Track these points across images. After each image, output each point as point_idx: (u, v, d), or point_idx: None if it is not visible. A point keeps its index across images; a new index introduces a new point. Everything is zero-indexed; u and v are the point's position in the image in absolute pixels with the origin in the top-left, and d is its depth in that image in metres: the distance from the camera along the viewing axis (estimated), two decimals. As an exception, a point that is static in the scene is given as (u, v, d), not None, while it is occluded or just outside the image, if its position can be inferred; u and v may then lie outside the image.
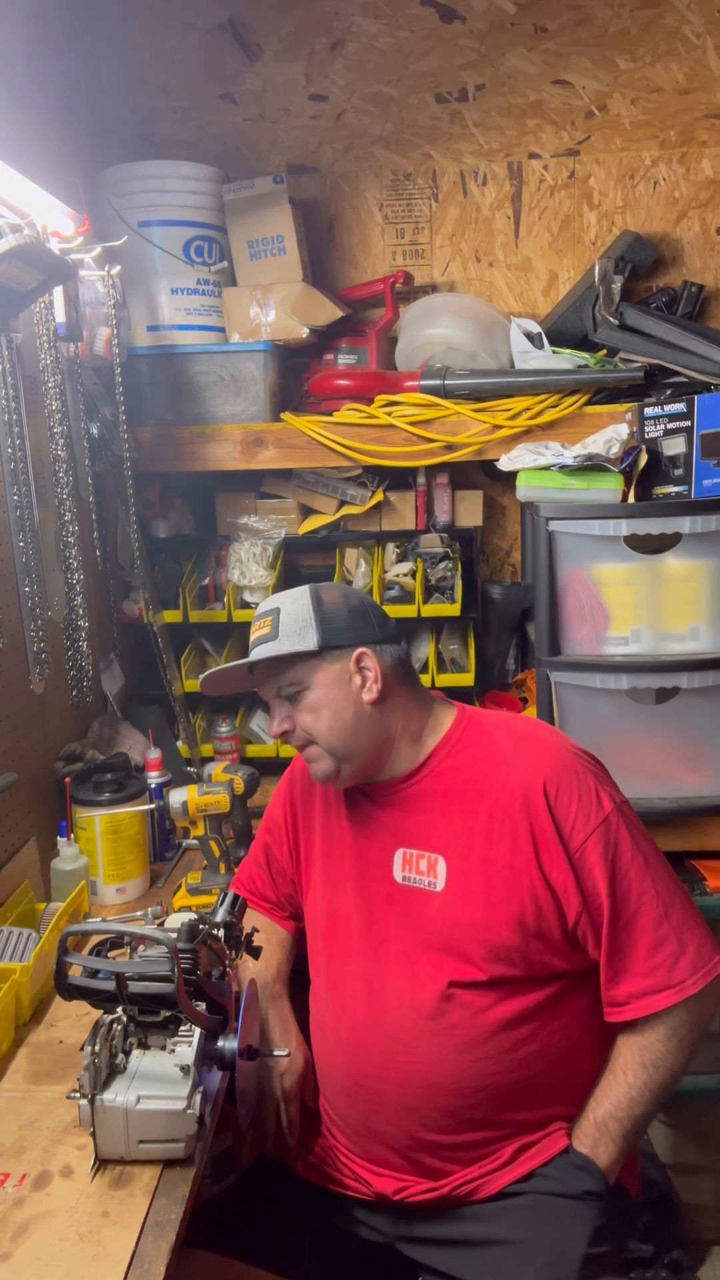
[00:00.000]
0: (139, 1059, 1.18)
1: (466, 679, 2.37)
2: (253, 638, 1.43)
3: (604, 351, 2.28)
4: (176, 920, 1.27)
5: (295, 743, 1.42)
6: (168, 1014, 1.19)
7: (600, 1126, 1.34)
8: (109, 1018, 1.19)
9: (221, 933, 1.27)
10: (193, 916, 1.24)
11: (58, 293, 1.84)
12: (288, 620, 1.40)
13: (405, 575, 2.42)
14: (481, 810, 1.36)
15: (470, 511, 2.46)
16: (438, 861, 1.37)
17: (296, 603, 1.41)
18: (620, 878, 1.32)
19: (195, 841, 1.88)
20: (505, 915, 1.32)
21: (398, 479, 2.43)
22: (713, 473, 1.92)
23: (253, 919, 1.57)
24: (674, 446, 1.98)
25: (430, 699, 1.48)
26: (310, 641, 1.38)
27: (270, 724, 1.45)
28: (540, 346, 2.27)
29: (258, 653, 1.40)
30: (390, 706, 1.41)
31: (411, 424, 2.21)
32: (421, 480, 2.42)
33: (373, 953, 1.39)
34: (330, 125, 2.51)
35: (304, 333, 2.28)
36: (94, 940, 1.49)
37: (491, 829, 1.35)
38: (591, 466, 1.98)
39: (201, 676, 1.51)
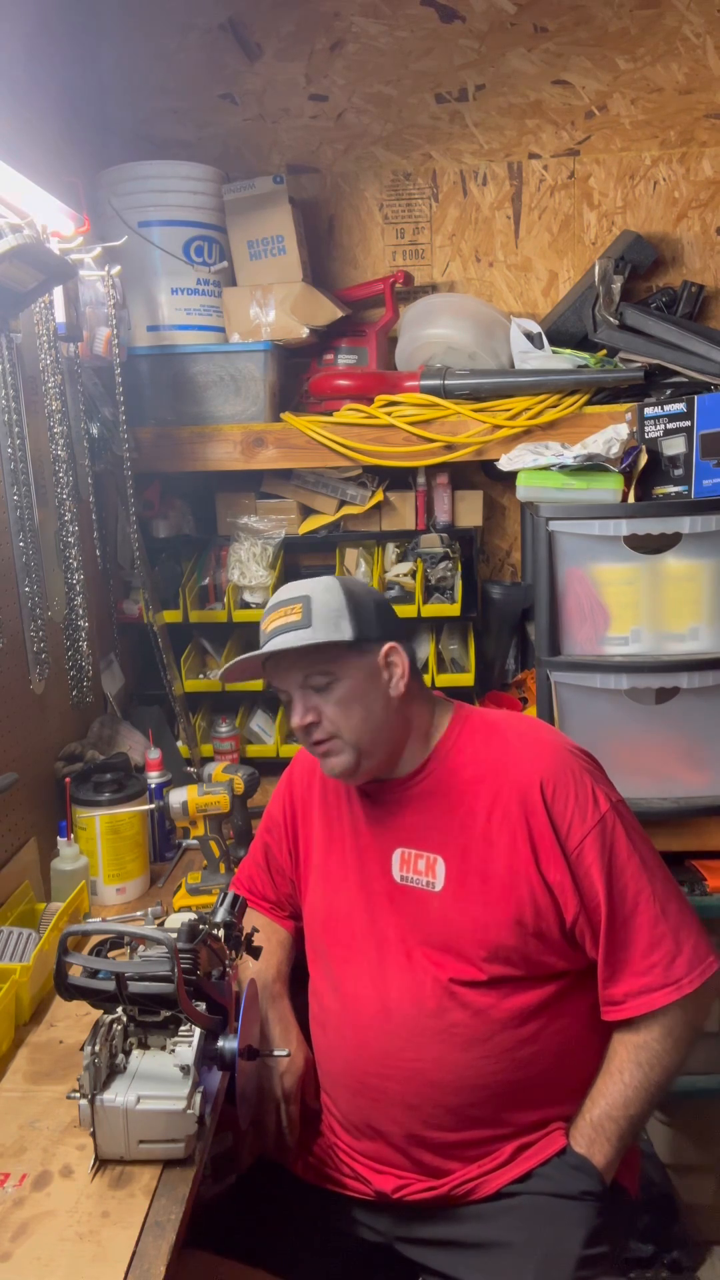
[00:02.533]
0: (139, 1059, 1.18)
1: (466, 679, 2.37)
2: (275, 624, 1.36)
3: (604, 351, 2.28)
4: (176, 920, 1.27)
5: (319, 735, 1.37)
6: (168, 1014, 1.19)
7: (596, 1126, 1.34)
8: (109, 1018, 1.19)
9: (221, 933, 1.27)
10: (193, 916, 1.24)
11: (58, 293, 1.84)
12: (320, 608, 1.34)
13: (405, 575, 2.42)
14: (479, 810, 1.36)
15: (470, 511, 2.46)
16: (436, 862, 1.37)
17: (328, 591, 1.36)
18: (617, 877, 1.32)
19: (195, 841, 1.88)
20: (503, 915, 1.32)
21: (398, 479, 2.43)
22: (713, 473, 1.92)
23: (253, 919, 1.57)
24: (674, 446, 1.98)
25: (433, 698, 1.48)
26: (345, 632, 1.33)
27: (292, 715, 1.39)
28: (540, 346, 2.27)
29: (287, 640, 1.33)
30: (410, 704, 1.40)
31: (411, 424, 2.21)
32: (421, 480, 2.42)
33: (374, 952, 1.39)
34: (330, 125, 2.51)
35: (304, 333, 2.28)
36: (94, 940, 1.49)
37: (489, 829, 1.35)
38: (591, 466, 1.98)
39: (222, 668, 1.48)
